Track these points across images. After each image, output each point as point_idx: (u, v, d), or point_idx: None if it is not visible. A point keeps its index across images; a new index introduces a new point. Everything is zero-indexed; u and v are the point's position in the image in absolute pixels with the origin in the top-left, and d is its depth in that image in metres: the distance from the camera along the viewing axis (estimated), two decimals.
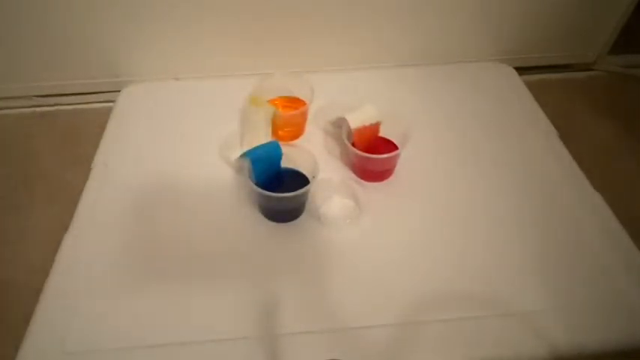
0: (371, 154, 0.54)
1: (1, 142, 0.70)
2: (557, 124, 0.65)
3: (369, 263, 0.50)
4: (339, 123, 0.59)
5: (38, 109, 0.75)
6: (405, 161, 0.58)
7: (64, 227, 0.52)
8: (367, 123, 0.55)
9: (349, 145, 0.55)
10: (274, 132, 0.59)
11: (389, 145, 0.59)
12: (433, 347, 0.43)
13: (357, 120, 0.55)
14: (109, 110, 0.67)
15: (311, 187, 0.51)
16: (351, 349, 0.43)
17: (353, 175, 0.58)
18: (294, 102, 0.63)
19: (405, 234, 0.52)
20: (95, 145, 0.62)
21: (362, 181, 0.57)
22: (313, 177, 0.51)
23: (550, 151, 0.61)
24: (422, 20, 0.71)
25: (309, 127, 0.64)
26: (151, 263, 0.50)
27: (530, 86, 0.72)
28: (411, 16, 0.70)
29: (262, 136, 0.55)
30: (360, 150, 0.54)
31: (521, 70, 0.75)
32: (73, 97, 0.74)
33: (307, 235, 0.52)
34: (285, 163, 0.55)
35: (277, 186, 0.49)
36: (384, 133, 0.59)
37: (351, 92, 0.67)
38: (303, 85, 0.61)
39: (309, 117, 0.64)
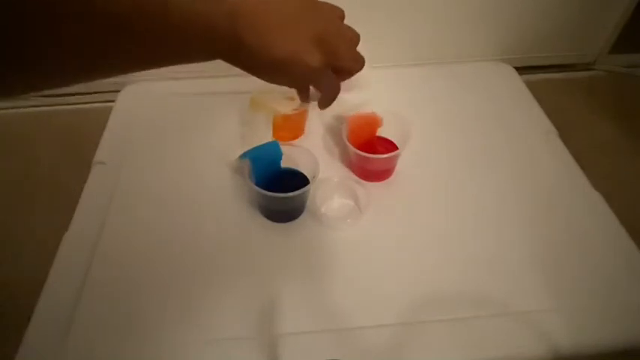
0: (371, 154, 0.54)
1: (1, 142, 0.70)
2: (558, 124, 0.65)
3: (369, 263, 0.50)
4: (339, 123, 0.59)
5: (38, 109, 0.75)
6: (405, 161, 0.58)
7: (64, 227, 0.52)
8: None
9: (349, 145, 0.54)
10: (274, 132, 0.59)
11: (389, 145, 0.59)
12: (433, 347, 0.43)
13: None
14: (109, 110, 0.67)
15: (311, 187, 0.51)
16: (351, 349, 0.43)
17: (353, 175, 0.58)
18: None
19: (405, 234, 0.52)
20: (95, 145, 0.62)
21: (362, 181, 0.57)
22: (313, 177, 0.51)
23: (550, 151, 0.61)
24: (422, 20, 0.71)
25: (309, 127, 0.64)
26: (151, 263, 0.50)
27: (530, 86, 0.72)
28: (411, 16, 0.70)
29: (262, 137, 0.55)
30: (357, 144, 0.54)
31: (521, 70, 0.75)
32: (73, 96, 0.74)
33: (307, 235, 0.52)
34: (285, 163, 0.55)
35: (277, 186, 0.49)
36: (384, 133, 0.59)
37: (351, 92, 0.67)
38: None
39: (309, 117, 0.64)
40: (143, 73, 0.34)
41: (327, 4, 0.43)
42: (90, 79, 0.31)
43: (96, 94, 0.74)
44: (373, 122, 0.58)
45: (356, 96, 0.56)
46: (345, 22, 0.45)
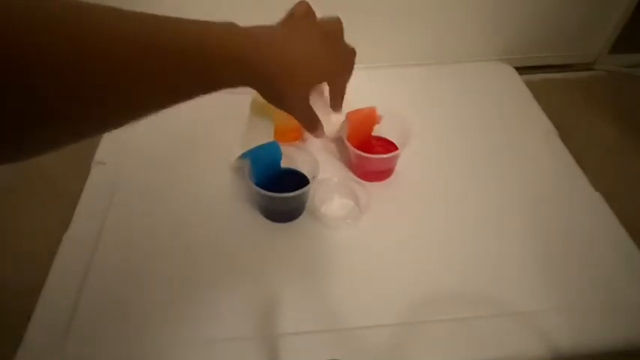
0: (370, 153, 0.54)
1: None
2: (558, 124, 0.65)
3: (369, 263, 0.50)
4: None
5: None
6: (405, 161, 0.58)
7: (64, 227, 0.52)
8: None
9: (349, 145, 0.55)
10: (275, 133, 0.58)
11: (389, 145, 0.59)
12: (433, 347, 0.43)
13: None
14: None
15: (311, 187, 0.51)
16: (351, 349, 0.43)
17: (353, 175, 0.58)
18: None
19: (404, 234, 0.52)
20: (95, 145, 0.62)
21: (362, 181, 0.57)
22: (313, 177, 0.51)
23: (550, 151, 0.61)
24: (422, 20, 0.71)
25: None
26: (151, 263, 0.50)
27: (530, 86, 0.72)
28: (411, 16, 0.70)
29: (263, 137, 0.55)
30: (356, 140, 0.54)
31: (521, 70, 0.75)
32: None
33: (307, 235, 0.52)
34: (285, 163, 0.55)
35: (277, 186, 0.49)
36: (384, 133, 0.59)
37: (351, 92, 0.67)
38: None
39: None
40: None
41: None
42: (129, 117, 0.30)
43: None
44: (372, 117, 0.57)
45: (355, 96, 0.56)
46: (345, 22, 0.45)
